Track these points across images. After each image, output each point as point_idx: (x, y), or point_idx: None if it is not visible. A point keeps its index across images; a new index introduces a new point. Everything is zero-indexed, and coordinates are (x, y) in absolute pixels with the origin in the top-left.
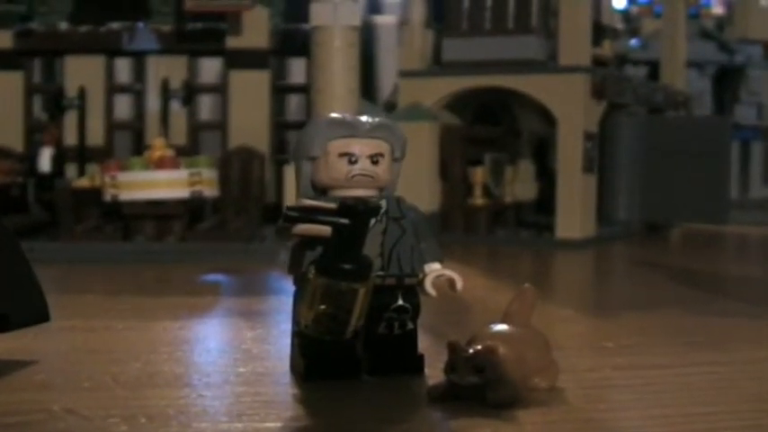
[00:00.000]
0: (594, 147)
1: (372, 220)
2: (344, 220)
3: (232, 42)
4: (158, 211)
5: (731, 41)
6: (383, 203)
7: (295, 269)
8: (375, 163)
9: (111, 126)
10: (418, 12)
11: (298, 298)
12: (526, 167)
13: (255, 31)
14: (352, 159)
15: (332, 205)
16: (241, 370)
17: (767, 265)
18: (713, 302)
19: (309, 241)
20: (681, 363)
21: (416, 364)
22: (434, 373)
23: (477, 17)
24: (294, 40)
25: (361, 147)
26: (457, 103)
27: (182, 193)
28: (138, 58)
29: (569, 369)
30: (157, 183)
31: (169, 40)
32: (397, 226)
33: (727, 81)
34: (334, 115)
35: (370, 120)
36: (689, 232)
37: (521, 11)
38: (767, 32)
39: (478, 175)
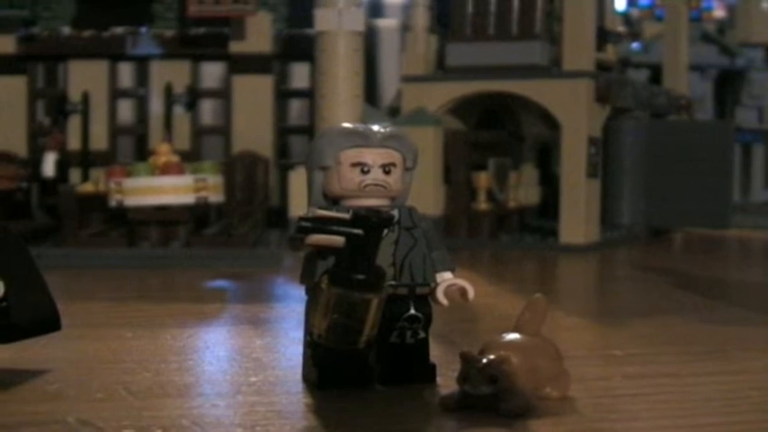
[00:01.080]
0: (598, 151)
1: (385, 230)
2: (358, 231)
3: (235, 47)
4: (163, 217)
5: (733, 45)
6: (395, 213)
7: (308, 279)
8: (387, 173)
9: (115, 131)
10: (422, 17)
11: (310, 308)
12: (530, 172)
13: (259, 35)
14: (364, 169)
15: (345, 215)
16: (252, 379)
17: None
18: (719, 309)
19: (322, 251)
20: (690, 372)
21: (429, 373)
22: (446, 382)
23: (481, 22)
24: (297, 44)
25: (373, 156)
26: (460, 109)
27: (187, 198)
28: (142, 62)
29: (579, 378)
30: (163, 188)
31: (172, 44)
32: (409, 236)
33: (728, 84)
34: (346, 125)
35: (382, 129)
36: (692, 237)
37: (525, 16)
38: None
39: (482, 179)
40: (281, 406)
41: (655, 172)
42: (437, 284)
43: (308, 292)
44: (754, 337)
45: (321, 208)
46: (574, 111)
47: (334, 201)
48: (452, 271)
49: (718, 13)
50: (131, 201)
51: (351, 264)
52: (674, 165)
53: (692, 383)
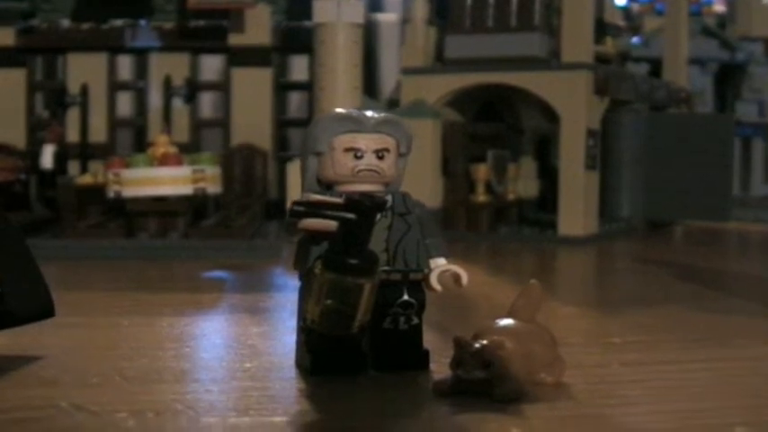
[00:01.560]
0: (597, 144)
1: (378, 216)
2: (350, 215)
3: (234, 39)
4: (162, 208)
5: (733, 39)
6: (389, 198)
7: (301, 264)
8: (381, 158)
9: (114, 123)
10: (421, 9)
11: (304, 293)
12: (528, 164)
13: (258, 28)
14: (357, 154)
15: (338, 200)
16: (247, 365)
17: None
18: (717, 299)
19: (316, 236)
20: (687, 359)
21: (422, 359)
22: (440, 368)
23: (480, 14)
24: (296, 36)
25: (366, 142)
26: (459, 100)
27: (185, 189)
28: (141, 55)
29: (576, 365)
30: (161, 179)
31: (171, 37)
32: (403, 221)
33: (728, 78)
34: (339, 110)
35: (375, 115)
36: (691, 229)
37: (523, 8)
38: None
39: (481, 172)
40: (274, 391)
41: (654, 165)
42: (431, 270)
43: (301, 278)
44: (753, 326)
45: (315, 193)
46: (572, 103)
47: (327, 186)
48: (447, 257)
49: (718, 7)
50: (130, 192)
51: (343, 248)
52: (673, 157)
53: (690, 370)
